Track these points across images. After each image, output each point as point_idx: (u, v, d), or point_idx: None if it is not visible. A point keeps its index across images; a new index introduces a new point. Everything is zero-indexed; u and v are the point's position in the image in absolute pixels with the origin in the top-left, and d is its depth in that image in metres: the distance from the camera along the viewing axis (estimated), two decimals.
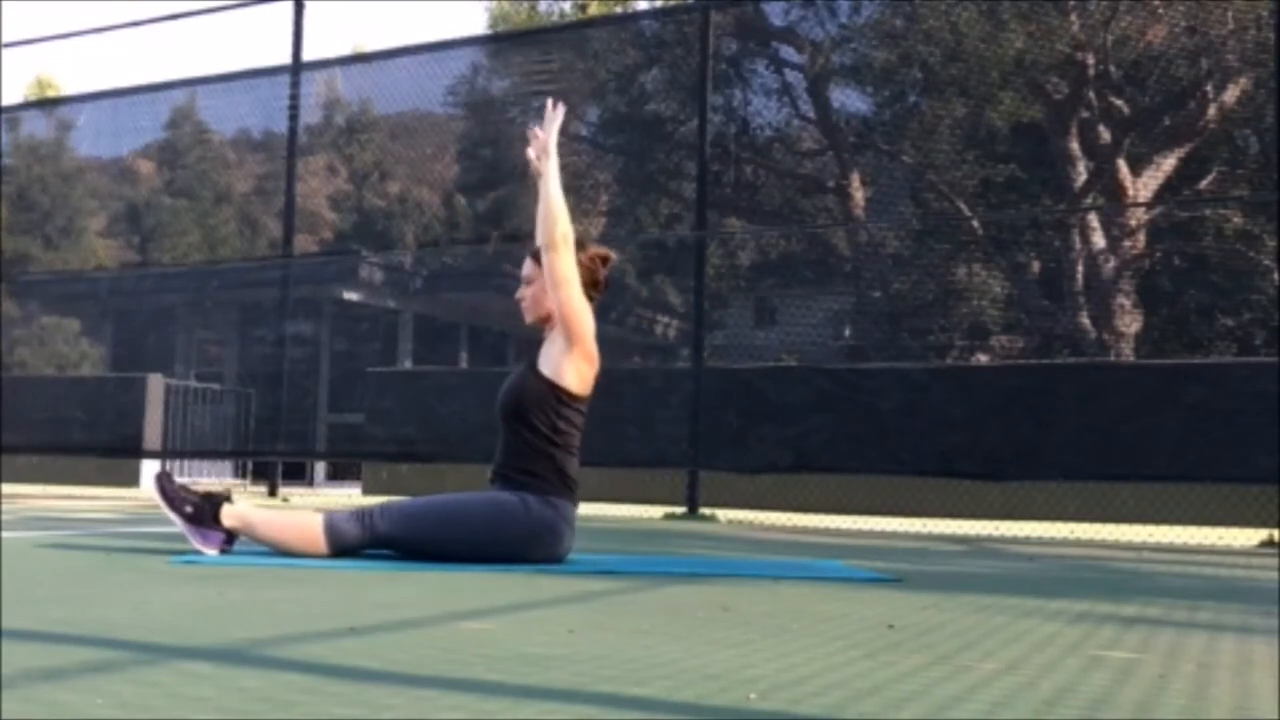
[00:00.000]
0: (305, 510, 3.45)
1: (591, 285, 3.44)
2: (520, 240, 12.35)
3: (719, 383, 7.95)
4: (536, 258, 3.47)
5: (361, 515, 3.30)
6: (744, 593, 2.82)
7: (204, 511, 3.35)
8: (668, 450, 7.77)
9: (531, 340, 3.58)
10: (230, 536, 3.36)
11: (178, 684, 1.42)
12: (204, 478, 12.39)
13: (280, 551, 3.31)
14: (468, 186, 12.62)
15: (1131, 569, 4.27)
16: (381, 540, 3.31)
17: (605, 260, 3.51)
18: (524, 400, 3.35)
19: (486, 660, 1.67)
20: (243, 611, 2.22)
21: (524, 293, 3.50)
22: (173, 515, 3.36)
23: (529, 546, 3.29)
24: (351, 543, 3.29)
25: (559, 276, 3.32)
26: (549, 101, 3.52)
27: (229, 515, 3.35)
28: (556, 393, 3.34)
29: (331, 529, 3.28)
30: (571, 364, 3.35)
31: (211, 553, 3.32)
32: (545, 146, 3.44)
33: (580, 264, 3.40)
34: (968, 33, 9.57)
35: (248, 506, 3.51)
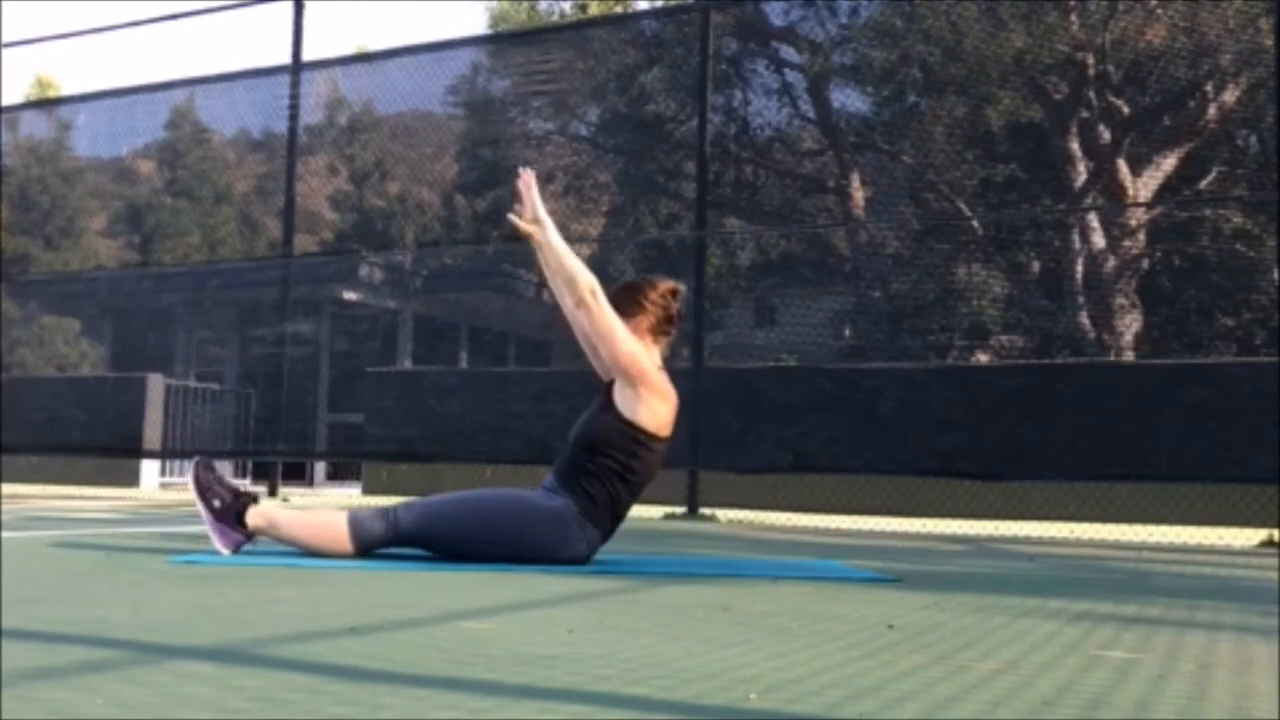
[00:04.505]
0: (329, 510, 3.44)
1: (666, 321, 3.39)
2: (520, 240, 12.37)
3: (719, 383, 7.95)
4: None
5: (386, 514, 3.30)
6: (744, 593, 2.82)
7: (230, 509, 3.34)
8: (668, 450, 7.76)
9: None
10: (248, 538, 3.35)
11: (176, 683, 1.42)
12: None
13: (305, 551, 3.30)
14: (468, 186, 12.62)
15: (1131, 569, 4.27)
16: (406, 539, 3.30)
17: (675, 293, 3.43)
18: (601, 437, 3.30)
19: (486, 660, 1.67)
20: (242, 611, 2.22)
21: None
22: (201, 505, 3.35)
23: (549, 550, 3.27)
24: (376, 542, 3.29)
25: (600, 330, 3.25)
26: (520, 171, 3.43)
27: (254, 515, 3.34)
28: (635, 433, 3.30)
29: (356, 528, 3.28)
30: (644, 404, 3.29)
31: (225, 552, 3.31)
32: (536, 215, 3.36)
33: (652, 303, 3.37)
34: (968, 32, 9.57)
35: (273, 507, 3.50)
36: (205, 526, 3.35)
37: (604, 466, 3.29)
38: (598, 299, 3.25)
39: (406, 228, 12.77)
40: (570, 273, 3.27)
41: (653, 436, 3.32)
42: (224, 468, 13.00)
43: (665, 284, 3.43)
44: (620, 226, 11.77)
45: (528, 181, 3.40)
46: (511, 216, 3.41)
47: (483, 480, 7.76)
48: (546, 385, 8.84)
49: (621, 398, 3.31)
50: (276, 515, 3.38)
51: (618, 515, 3.35)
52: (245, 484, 12.17)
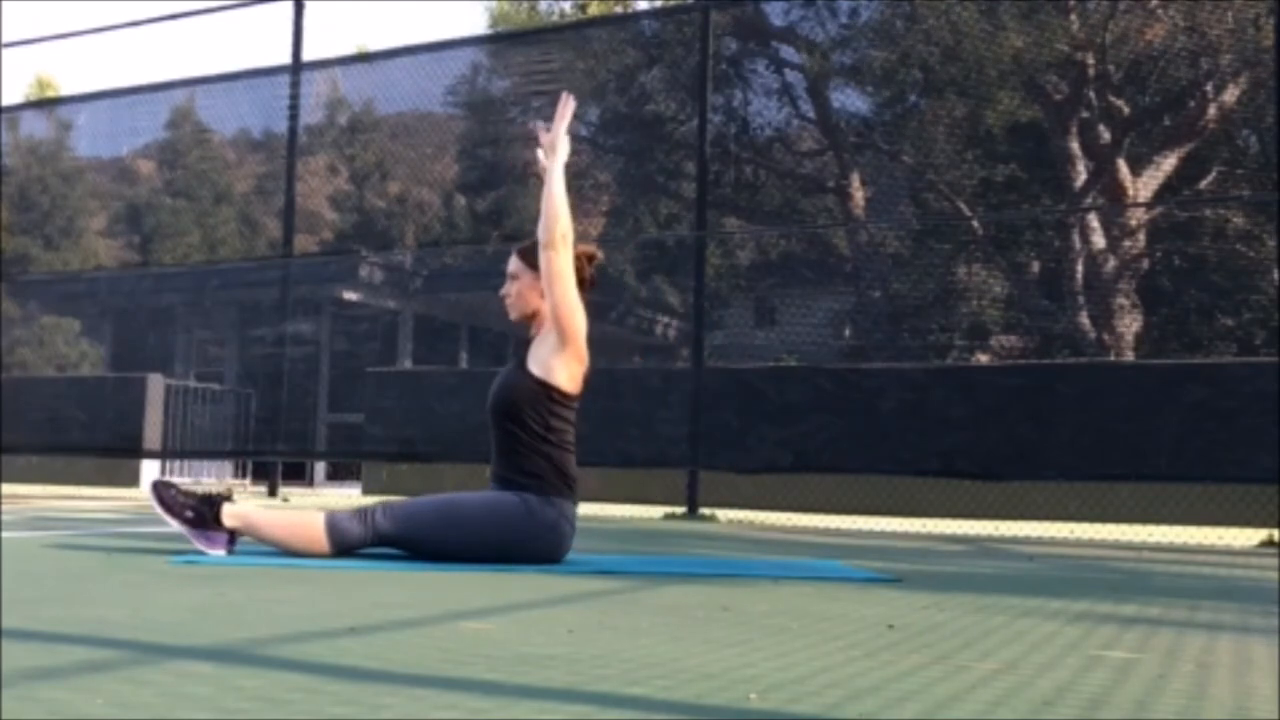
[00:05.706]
0: (307, 509, 3.44)
1: (578, 284, 3.44)
2: (520, 240, 12.38)
3: (719, 383, 7.95)
4: (521, 254, 3.48)
5: (363, 514, 3.30)
6: (744, 593, 2.82)
7: (205, 514, 3.34)
8: (668, 450, 7.77)
9: (529, 341, 3.59)
10: (234, 536, 3.35)
11: (176, 683, 1.42)
12: (205, 478, 12.38)
13: (282, 551, 3.31)
14: (468, 186, 12.62)
15: (1131, 569, 4.26)
16: (383, 539, 3.31)
17: (591, 259, 3.51)
18: (516, 400, 3.36)
19: (485, 660, 1.67)
20: (241, 611, 2.22)
21: (509, 289, 3.50)
22: (173, 521, 3.35)
23: (530, 547, 3.29)
24: (354, 542, 3.29)
25: (555, 274, 3.31)
26: (562, 95, 3.48)
27: (230, 515, 3.35)
28: (549, 391, 3.35)
29: (333, 528, 3.28)
30: (562, 363, 3.35)
31: (219, 553, 3.31)
32: (553, 142, 3.42)
33: None
34: (968, 33, 9.56)
35: (249, 506, 3.50)
36: (190, 540, 3.35)
37: (529, 432, 3.32)
38: (567, 245, 3.34)
39: (406, 228, 12.77)
40: (555, 211, 3.33)
41: (565, 394, 3.38)
42: (224, 468, 13.00)
43: (585, 247, 3.52)
44: (620, 226, 11.76)
45: (564, 108, 3.45)
46: (539, 124, 3.48)
47: (483, 480, 7.75)
48: None
49: (538, 353, 3.39)
50: (253, 516, 3.38)
51: (567, 474, 3.36)
52: (244, 484, 12.16)
